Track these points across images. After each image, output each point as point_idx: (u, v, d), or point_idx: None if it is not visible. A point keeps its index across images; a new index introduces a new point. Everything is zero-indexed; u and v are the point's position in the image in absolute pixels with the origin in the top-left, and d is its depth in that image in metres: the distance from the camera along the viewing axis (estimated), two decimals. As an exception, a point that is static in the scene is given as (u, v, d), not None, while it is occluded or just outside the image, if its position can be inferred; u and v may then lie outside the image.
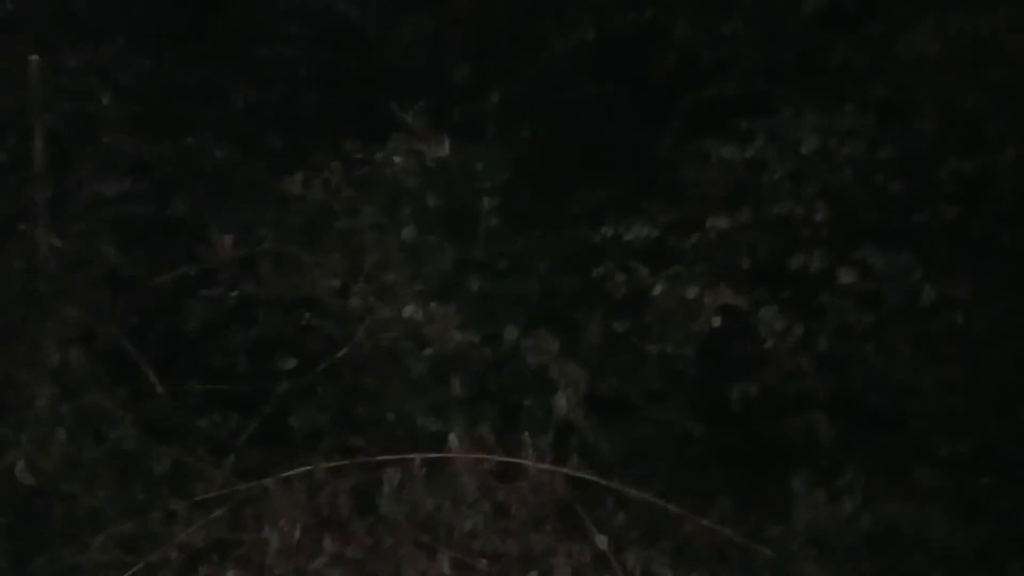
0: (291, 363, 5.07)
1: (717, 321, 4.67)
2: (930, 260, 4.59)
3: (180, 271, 5.19)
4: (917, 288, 4.52)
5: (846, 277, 4.58)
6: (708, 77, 5.00)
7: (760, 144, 4.71)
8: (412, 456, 4.47)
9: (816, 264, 4.63)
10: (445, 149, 5.29)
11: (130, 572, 4.36)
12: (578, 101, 5.46)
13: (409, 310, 5.07)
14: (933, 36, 4.45)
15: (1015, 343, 4.57)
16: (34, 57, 5.28)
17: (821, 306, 4.68)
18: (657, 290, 4.76)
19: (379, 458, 4.53)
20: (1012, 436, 4.56)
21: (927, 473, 4.54)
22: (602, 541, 4.31)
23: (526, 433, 4.41)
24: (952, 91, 4.49)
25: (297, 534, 4.39)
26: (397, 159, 5.30)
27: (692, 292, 4.68)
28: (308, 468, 4.57)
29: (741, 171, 4.79)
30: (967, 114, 4.51)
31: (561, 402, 4.64)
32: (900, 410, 4.66)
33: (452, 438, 4.48)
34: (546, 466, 4.37)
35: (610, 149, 5.41)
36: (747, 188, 4.80)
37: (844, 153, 4.61)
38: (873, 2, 4.67)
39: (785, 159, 4.65)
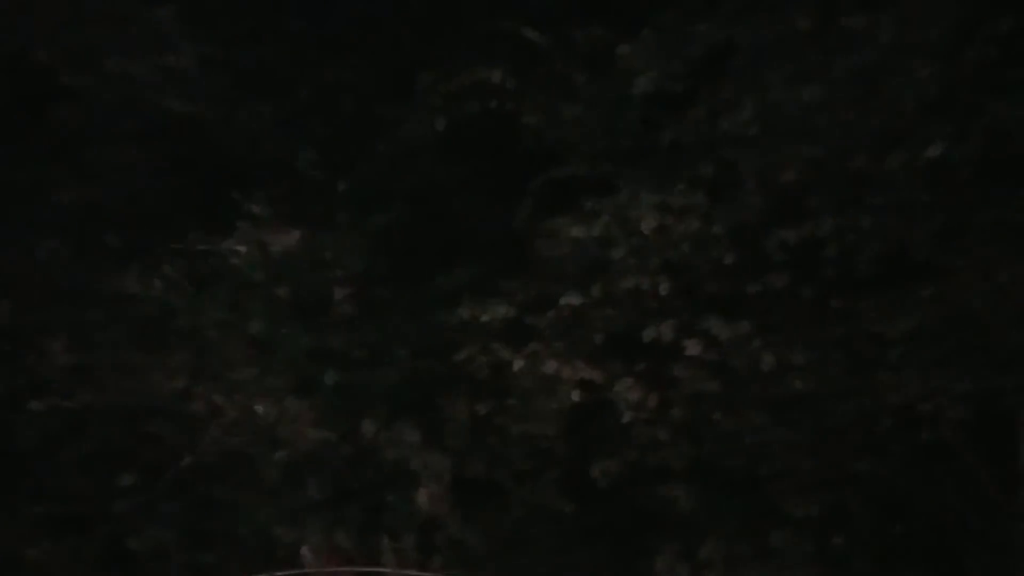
0: (129, 479, 4.66)
1: (576, 396, 4.61)
2: (767, 327, 4.66)
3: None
4: (757, 355, 4.54)
5: (693, 348, 4.60)
6: (555, 159, 5.04)
7: (605, 222, 4.72)
8: (265, 577, 4.10)
9: (665, 336, 4.65)
10: (293, 238, 5.05)
11: None
12: (430, 185, 5.35)
13: (260, 409, 4.73)
14: (753, 116, 4.57)
15: (851, 402, 4.57)
16: None
17: (672, 377, 4.70)
18: (517, 368, 4.67)
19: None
20: (858, 494, 4.64)
21: (783, 535, 4.63)
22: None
23: (385, 538, 4.11)
24: (773, 166, 4.60)
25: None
26: (242, 250, 5.02)
27: (550, 368, 4.62)
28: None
29: (590, 249, 4.78)
30: (788, 187, 4.66)
31: (424, 497, 4.37)
32: (753, 474, 4.72)
33: (305, 552, 4.13)
34: (411, 574, 4.07)
35: (464, 231, 5.31)
36: (596, 265, 4.79)
37: (681, 229, 4.64)
38: (696, 85, 4.79)
39: (629, 236, 4.67)
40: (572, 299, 4.81)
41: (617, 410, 4.69)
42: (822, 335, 4.74)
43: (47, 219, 5.32)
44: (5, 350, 4.92)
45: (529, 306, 4.95)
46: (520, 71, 5.12)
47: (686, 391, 4.72)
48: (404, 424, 4.75)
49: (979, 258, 4.66)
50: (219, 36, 5.09)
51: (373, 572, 4.07)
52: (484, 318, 4.88)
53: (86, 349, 4.94)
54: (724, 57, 4.88)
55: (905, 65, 4.70)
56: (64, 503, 4.81)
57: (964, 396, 4.64)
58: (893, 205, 4.73)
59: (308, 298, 5.13)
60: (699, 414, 4.71)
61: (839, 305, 4.74)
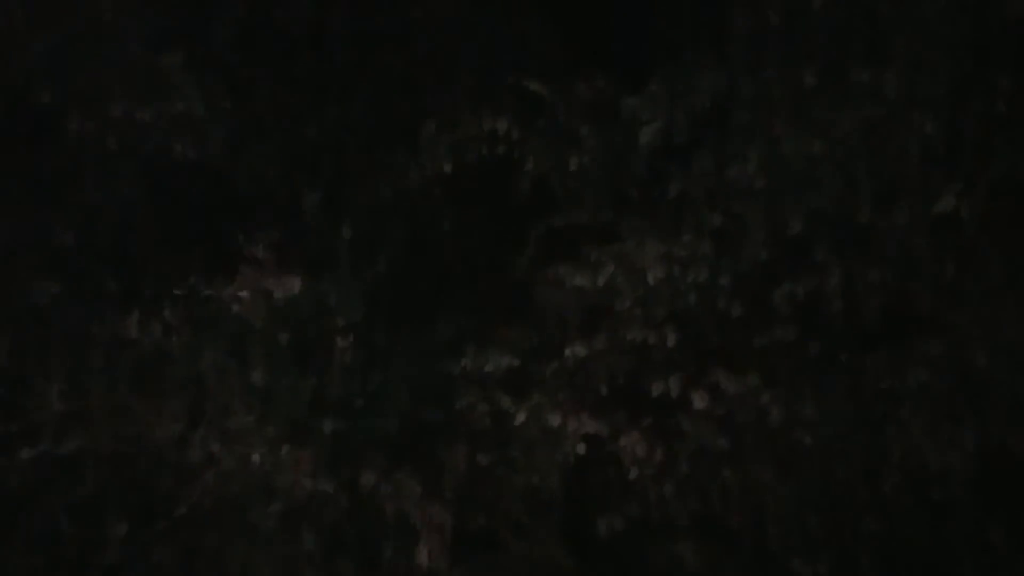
0: (122, 528, 4.56)
1: (582, 449, 4.52)
2: (774, 381, 4.60)
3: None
4: (765, 409, 4.47)
5: (700, 401, 4.53)
6: (559, 207, 5.00)
7: (610, 272, 4.66)
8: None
9: (671, 389, 4.58)
10: (296, 285, 5.01)
11: None
12: (433, 232, 5.31)
13: (257, 457, 4.65)
14: (759, 167, 4.55)
15: (859, 458, 4.54)
16: None
17: (679, 430, 4.61)
18: (520, 420, 4.59)
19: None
20: (867, 552, 4.56)
21: (790, 596, 4.48)
22: None
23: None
24: (780, 218, 4.58)
25: None
26: (243, 295, 4.97)
27: (554, 420, 4.54)
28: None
29: (593, 298, 4.73)
30: (794, 239, 4.63)
31: (423, 552, 4.27)
32: (760, 532, 4.59)
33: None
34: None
35: (466, 279, 5.26)
36: (600, 314, 4.74)
37: (688, 280, 4.59)
38: (703, 136, 4.78)
39: (634, 286, 4.62)
40: (578, 349, 4.72)
41: (621, 463, 4.58)
42: (829, 390, 4.67)
43: (46, 262, 5.27)
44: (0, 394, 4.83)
45: (532, 355, 4.86)
46: (524, 121, 5.11)
47: (692, 445, 4.63)
48: (404, 475, 4.65)
49: (986, 313, 4.62)
50: (226, 81, 5.08)
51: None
52: (487, 367, 4.80)
53: (81, 394, 4.84)
54: (730, 108, 4.87)
55: (911, 119, 4.70)
56: (55, 551, 4.69)
57: (972, 452, 4.57)
58: (900, 259, 4.70)
59: (308, 345, 5.06)
60: (706, 469, 4.60)
61: (846, 359, 4.68)
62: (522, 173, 5.15)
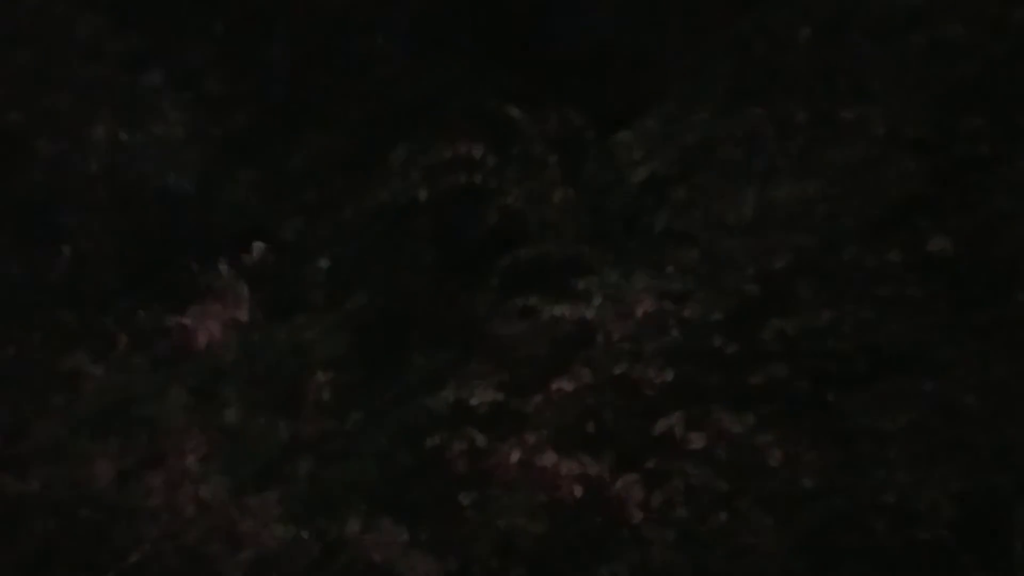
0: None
1: (579, 491, 4.37)
2: (770, 421, 4.54)
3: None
4: (764, 451, 4.47)
5: (698, 442, 4.43)
6: (530, 238, 4.90)
7: (598, 304, 4.56)
8: None
9: (674, 428, 4.47)
10: (269, 318, 4.77)
11: None
12: (410, 263, 5.15)
13: (217, 502, 4.38)
14: (747, 203, 4.59)
15: (848, 500, 4.50)
16: None
17: (672, 472, 4.51)
18: (509, 460, 4.44)
19: None
20: None
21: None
22: None
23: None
24: (766, 254, 4.55)
25: None
26: (212, 328, 4.70)
27: (548, 460, 4.39)
28: None
29: (577, 331, 4.62)
30: (782, 276, 4.61)
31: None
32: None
33: None
34: None
35: (444, 312, 5.10)
36: (584, 348, 4.64)
37: (678, 315, 4.51)
38: (690, 171, 4.72)
39: (622, 320, 4.52)
40: (563, 384, 4.58)
41: (620, 509, 4.44)
42: (819, 429, 4.62)
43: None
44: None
45: (514, 391, 4.71)
46: (500, 149, 5.01)
47: (682, 486, 4.52)
48: (384, 521, 4.42)
49: (974, 354, 4.63)
50: (205, 103, 4.85)
51: None
52: (470, 401, 4.62)
53: (24, 435, 4.51)
54: (718, 145, 4.85)
55: (896, 157, 4.72)
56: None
57: (958, 494, 4.56)
58: (888, 298, 4.70)
59: (282, 383, 4.82)
60: (701, 513, 4.49)
61: (835, 399, 4.65)
62: (498, 203, 5.03)
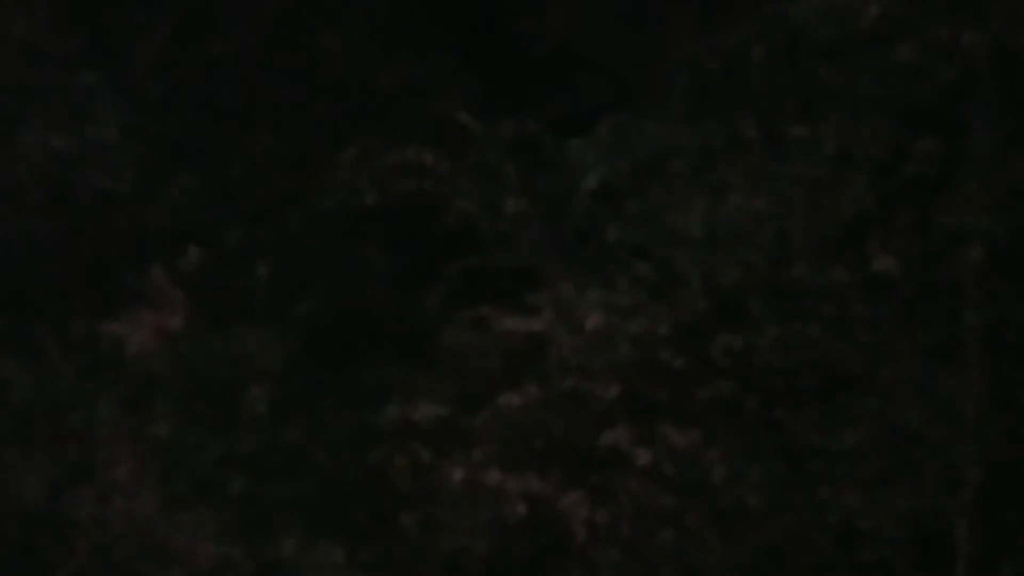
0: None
1: (523, 509, 4.29)
2: (716, 437, 4.51)
3: None
4: (708, 467, 4.43)
5: (643, 457, 4.38)
6: (485, 248, 4.83)
7: (550, 318, 4.49)
8: None
9: (612, 442, 4.41)
10: (205, 328, 4.63)
11: None
12: (355, 268, 5.03)
13: (151, 517, 4.23)
14: (697, 217, 4.55)
15: (793, 518, 4.49)
16: None
17: (618, 488, 4.46)
18: (453, 478, 4.34)
19: None
20: None
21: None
22: None
23: None
24: (716, 270, 4.56)
25: None
26: (145, 338, 4.55)
27: (489, 479, 4.31)
28: None
29: (526, 345, 4.55)
30: (731, 292, 4.62)
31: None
32: None
33: None
34: None
35: (390, 322, 4.99)
36: (533, 362, 4.58)
37: (627, 330, 4.48)
38: (643, 183, 4.71)
39: (572, 333, 4.45)
40: (511, 399, 4.51)
41: (564, 526, 4.36)
42: (765, 447, 4.59)
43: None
44: None
45: (462, 406, 4.62)
46: (453, 156, 4.92)
47: (632, 504, 4.45)
48: (322, 539, 4.30)
49: (920, 373, 4.63)
50: (142, 105, 4.69)
51: None
52: (415, 416, 4.52)
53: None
54: (671, 158, 4.80)
55: (846, 177, 4.72)
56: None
57: (903, 514, 4.56)
58: (836, 317, 4.68)
59: (217, 395, 4.68)
60: (647, 531, 4.44)
61: (782, 416, 4.62)
62: (449, 211, 4.94)
